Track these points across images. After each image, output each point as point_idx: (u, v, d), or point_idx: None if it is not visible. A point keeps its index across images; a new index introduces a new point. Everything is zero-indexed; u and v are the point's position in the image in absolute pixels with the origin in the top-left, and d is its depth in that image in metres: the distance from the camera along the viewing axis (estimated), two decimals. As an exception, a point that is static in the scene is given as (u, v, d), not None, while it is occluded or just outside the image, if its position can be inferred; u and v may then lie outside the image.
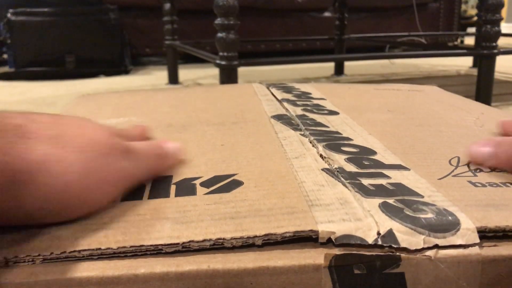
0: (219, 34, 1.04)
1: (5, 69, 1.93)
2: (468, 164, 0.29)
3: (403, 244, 0.20)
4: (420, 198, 0.23)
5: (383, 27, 2.65)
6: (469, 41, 2.98)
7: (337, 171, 0.27)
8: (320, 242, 0.20)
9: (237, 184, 0.26)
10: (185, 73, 2.03)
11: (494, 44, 1.25)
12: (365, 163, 0.28)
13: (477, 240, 0.20)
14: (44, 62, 1.94)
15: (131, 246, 0.20)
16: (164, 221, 0.22)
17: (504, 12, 3.39)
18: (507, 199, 0.23)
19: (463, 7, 3.11)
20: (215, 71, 1.19)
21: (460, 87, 1.66)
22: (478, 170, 0.28)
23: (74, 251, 0.20)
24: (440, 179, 0.26)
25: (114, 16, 2.00)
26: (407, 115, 0.42)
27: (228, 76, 1.07)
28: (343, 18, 1.94)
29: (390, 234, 0.20)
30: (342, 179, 0.26)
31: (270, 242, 0.20)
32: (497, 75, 1.45)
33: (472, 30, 2.85)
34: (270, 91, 0.53)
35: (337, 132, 0.35)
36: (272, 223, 0.21)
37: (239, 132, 0.36)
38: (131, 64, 2.19)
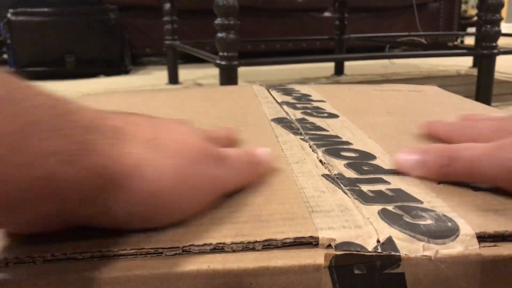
0: (219, 34, 1.05)
1: (5, 69, 1.93)
2: None
3: (402, 251, 0.20)
4: (419, 204, 0.23)
5: (383, 27, 2.65)
6: (469, 41, 2.98)
7: (337, 177, 0.27)
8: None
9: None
10: (185, 73, 2.03)
11: (494, 44, 1.25)
12: (365, 168, 0.28)
13: (477, 246, 0.20)
14: (44, 62, 1.94)
15: (131, 249, 0.20)
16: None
17: (504, 12, 3.38)
18: (506, 204, 0.24)
19: (463, 7, 3.11)
20: (215, 71, 1.19)
21: (460, 87, 1.66)
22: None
23: (75, 252, 0.20)
24: (439, 183, 0.26)
25: (114, 16, 2.01)
26: (407, 117, 0.42)
27: (228, 76, 1.07)
28: (343, 18, 1.94)
29: (389, 241, 0.20)
30: (342, 185, 0.26)
31: (271, 247, 0.20)
32: (497, 75, 1.45)
33: (472, 30, 2.85)
34: (270, 93, 0.53)
35: (337, 136, 0.35)
36: (272, 229, 0.21)
37: (240, 135, 0.36)
38: (131, 64, 2.19)
